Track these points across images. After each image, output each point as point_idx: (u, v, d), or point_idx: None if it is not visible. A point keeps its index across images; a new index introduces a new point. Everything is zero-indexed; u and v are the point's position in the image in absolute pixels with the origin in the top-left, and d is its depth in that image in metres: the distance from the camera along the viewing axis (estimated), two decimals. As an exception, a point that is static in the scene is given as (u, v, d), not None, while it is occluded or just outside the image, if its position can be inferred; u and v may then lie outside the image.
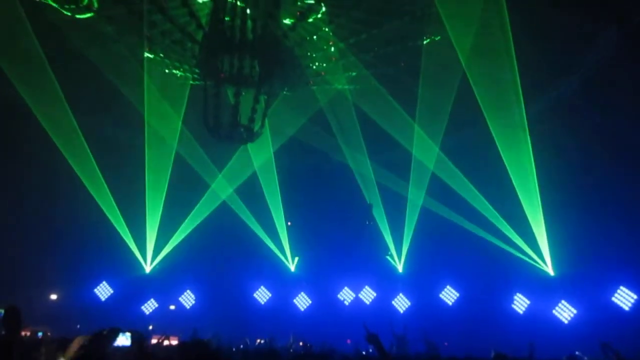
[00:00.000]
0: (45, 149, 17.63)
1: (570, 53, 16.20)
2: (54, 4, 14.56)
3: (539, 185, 17.93)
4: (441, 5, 15.94)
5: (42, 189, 19.40)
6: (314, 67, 18.29)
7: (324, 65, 18.33)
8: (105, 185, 19.22)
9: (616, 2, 14.25)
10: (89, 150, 18.43)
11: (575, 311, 18.91)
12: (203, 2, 15.37)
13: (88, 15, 15.39)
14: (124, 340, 5.57)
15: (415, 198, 20.66)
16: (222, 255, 21.06)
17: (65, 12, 14.95)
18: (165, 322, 19.67)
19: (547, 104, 17.45)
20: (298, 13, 16.28)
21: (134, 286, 21.54)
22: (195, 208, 21.06)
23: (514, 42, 15.38)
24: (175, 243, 21.26)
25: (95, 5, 14.99)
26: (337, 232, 21.23)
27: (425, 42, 17.50)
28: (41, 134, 17.09)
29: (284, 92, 18.61)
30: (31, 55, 15.44)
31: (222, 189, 21.22)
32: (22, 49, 15.33)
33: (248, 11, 15.38)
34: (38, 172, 18.89)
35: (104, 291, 21.69)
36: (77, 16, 15.11)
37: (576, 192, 17.47)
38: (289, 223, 22.00)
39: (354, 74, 18.58)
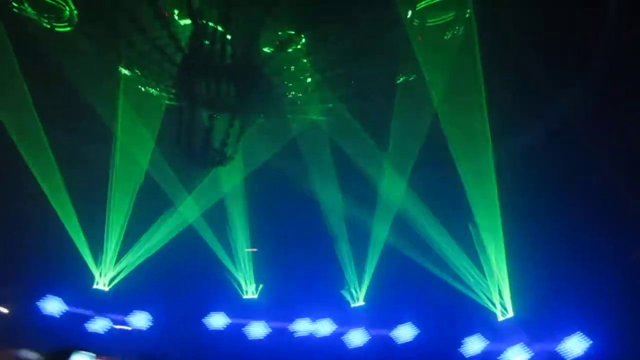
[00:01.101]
0: (10, 157, 17.26)
1: (542, 102, 16.80)
2: (33, 14, 14.49)
3: (503, 228, 18.30)
4: (418, 47, 16.46)
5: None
6: (290, 96, 18.49)
7: (300, 95, 18.54)
8: (69, 200, 18.84)
9: (588, 54, 14.94)
10: (55, 162, 18.08)
11: (532, 353, 19.17)
12: (184, 25, 15.46)
13: (67, 29, 15.34)
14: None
15: (380, 233, 20.80)
16: (183, 277, 20.73)
17: (44, 24, 14.88)
18: (118, 342, 19.21)
19: (515, 150, 17.93)
20: (278, 42, 16.51)
21: (88, 303, 20.97)
22: (160, 228, 20.73)
23: (486, 87, 15.90)
24: (136, 262, 20.82)
25: (76, 19, 14.96)
26: (300, 262, 21.15)
27: (400, 80, 18.00)
28: (7, 142, 16.76)
29: (259, 119, 18.70)
30: (4, 64, 15.24)
31: (189, 211, 20.99)
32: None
33: (228, 37, 15.53)
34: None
35: (56, 307, 20.99)
36: (57, 29, 15.05)
37: (540, 238, 17.86)
38: (253, 250, 21.88)
39: (329, 105, 18.85)
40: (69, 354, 4.19)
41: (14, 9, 14.33)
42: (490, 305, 19.41)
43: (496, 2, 15.38)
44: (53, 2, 14.39)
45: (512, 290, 18.97)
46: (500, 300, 19.30)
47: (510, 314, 19.32)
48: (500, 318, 19.25)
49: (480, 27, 15.77)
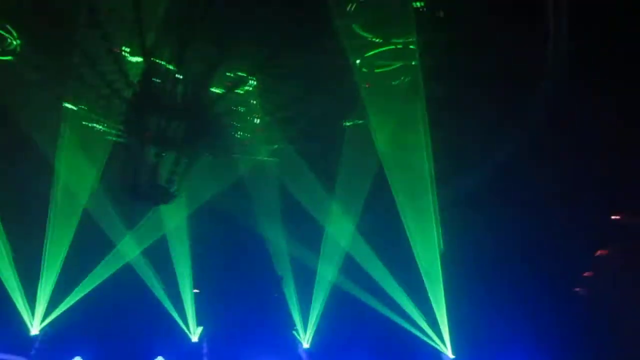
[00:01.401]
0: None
1: (482, 146, 17.60)
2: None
3: (442, 270, 18.78)
4: (366, 92, 17.05)
5: None
6: (239, 136, 18.53)
7: (249, 135, 18.63)
8: (3, 236, 17.92)
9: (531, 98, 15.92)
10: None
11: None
12: (136, 62, 15.36)
13: (8, 58, 15.00)
14: None
15: (327, 274, 20.82)
16: (121, 319, 19.88)
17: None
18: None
19: (457, 194, 18.56)
20: (228, 84, 16.65)
21: (17, 349, 19.67)
22: (98, 267, 19.88)
23: (431, 133, 16.56)
24: (71, 303, 19.82)
25: (18, 49, 14.66)
26: (244, 303, 20.83)
27: (348, 124, 18.49)
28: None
29: (206, 157, 18.58)
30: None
31: (128, 249, 20.28)
32: None
33: (179, 76, 15.53)
34: None
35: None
36: (-1, 58, 14.69)
37: (479, 279, 18.41)
38: (196, 290, 21.33)
39: (277, 146, 19.02)
40: None
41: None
42: (433, 347, 19.71)
43: (440, 52, 16.14)
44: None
45: (452, 331, 19.35)
46: (441, 340, 19.62)
47: (450, 354, 19.65)
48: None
49: (425, 76, 16.47)
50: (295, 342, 21.59)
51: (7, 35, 14.76)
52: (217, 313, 21.00)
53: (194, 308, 21.31)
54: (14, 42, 14.97)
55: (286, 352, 21.47)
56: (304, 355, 21.37)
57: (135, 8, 13.71)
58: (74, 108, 16.67)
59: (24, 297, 19.30)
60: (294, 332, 21.61)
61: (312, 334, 21.34)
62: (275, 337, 21.47)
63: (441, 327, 19.56)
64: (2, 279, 18.71)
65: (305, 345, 21.40)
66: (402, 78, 17.31)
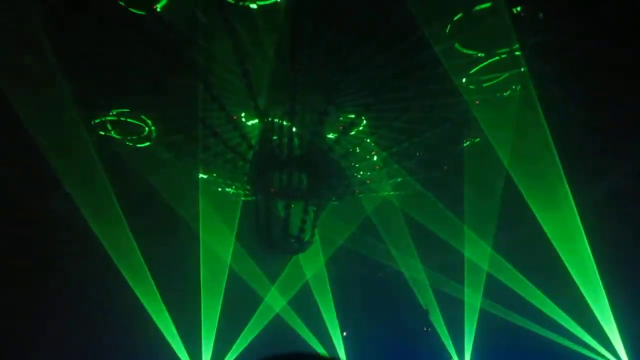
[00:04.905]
0: (104, 269, 18.30)
1: (612, 145, 16.34)
2: (117, 137, 16.01)
3: (601, 278, 17.34)
4: (477, 110, 16.62)
5: (99, 310, 19.82)
6: (359, 176, 18.90)
7: (369, 173, 18.94)
8: (162, 304, 19.56)
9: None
10: (147, 270, 18.98)
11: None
12: (252, 125, 16.47)
13: (147, 144, 16.74)
14: None
15: (473, 300, 20.16)
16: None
17: (127, 143, 16.36)
18: None
19: (598, 196, 17.28)
20: (341, 127, 17.16)
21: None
22: (250, 322, 21.01)
23: (553, 138, 15.70)
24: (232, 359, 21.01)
25: (154, 134, 16.33)
26: (394, 340, 20.70)
27: (465, 144, 18.09)
28: (102, 255, 17.89)
29: (332, 202, 19.12)
30: (95, 180, 16.63)
31: (275, 301, 21.27)
32: (87, 174, 16.57)
33: (294, 129, 16.33)
34: (99, 295, 19.42)
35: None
36: (138, 145, 16.46)
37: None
38: (344, 333, 21.59)
39: (398, 180, 19.08)
40: None
41: (101, 132, 15.88)
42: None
43: (547, 55, 15.44)
44: (134, 122, 15.81)
45: (626, 345, 17.61)
46: (612, 354, 17.91)
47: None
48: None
49: (535, 81, 15.77)
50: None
51: (142, 125, 16.46)
52: (369, 353, 21.02)
53: (345, 351, 21.55)
54: (150, 129, 16.68)
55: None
56: None
57: (244, 76, 14.75)
58: (206, 177, 18.15)
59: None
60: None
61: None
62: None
63: (612, 340, 17.91)
64: (172, 347, 20.27)
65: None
66: (512, 87, 16.71)
